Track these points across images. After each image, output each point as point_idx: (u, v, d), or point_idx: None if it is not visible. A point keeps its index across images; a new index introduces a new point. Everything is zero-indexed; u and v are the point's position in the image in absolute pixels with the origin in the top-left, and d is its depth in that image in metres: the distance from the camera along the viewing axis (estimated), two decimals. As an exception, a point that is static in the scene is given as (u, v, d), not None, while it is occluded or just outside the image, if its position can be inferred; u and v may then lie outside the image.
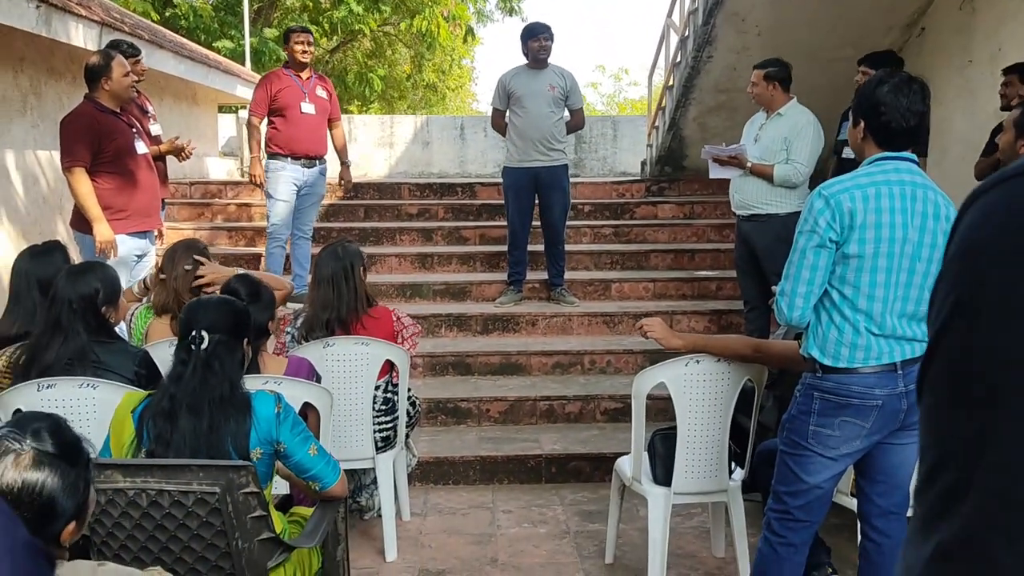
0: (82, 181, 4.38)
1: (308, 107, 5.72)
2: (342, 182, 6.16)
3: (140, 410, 2.24)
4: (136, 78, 5.16)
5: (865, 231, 2.37)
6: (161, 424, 2.17)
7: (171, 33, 9.47)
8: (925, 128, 2.52)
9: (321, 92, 5.83)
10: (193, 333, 2.25)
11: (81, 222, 4.52)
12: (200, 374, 2.22)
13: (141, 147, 4.68)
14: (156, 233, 4.99)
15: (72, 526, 1.48)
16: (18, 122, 5.58)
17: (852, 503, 2.91)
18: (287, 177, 5.72)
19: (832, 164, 5.21)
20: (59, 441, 1.49)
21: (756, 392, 3.14)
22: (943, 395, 0.62)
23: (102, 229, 4.39)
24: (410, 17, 15.65)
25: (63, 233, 5.61)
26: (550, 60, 5.84)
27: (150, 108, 5.53)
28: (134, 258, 4.63)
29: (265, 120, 5.80)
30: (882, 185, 2.40)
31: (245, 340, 2.40)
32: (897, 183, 2.41)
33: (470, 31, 17.78)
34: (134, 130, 4.67)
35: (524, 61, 5.87)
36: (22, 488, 1.41)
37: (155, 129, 5.42)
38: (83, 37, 5.65)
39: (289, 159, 5.72)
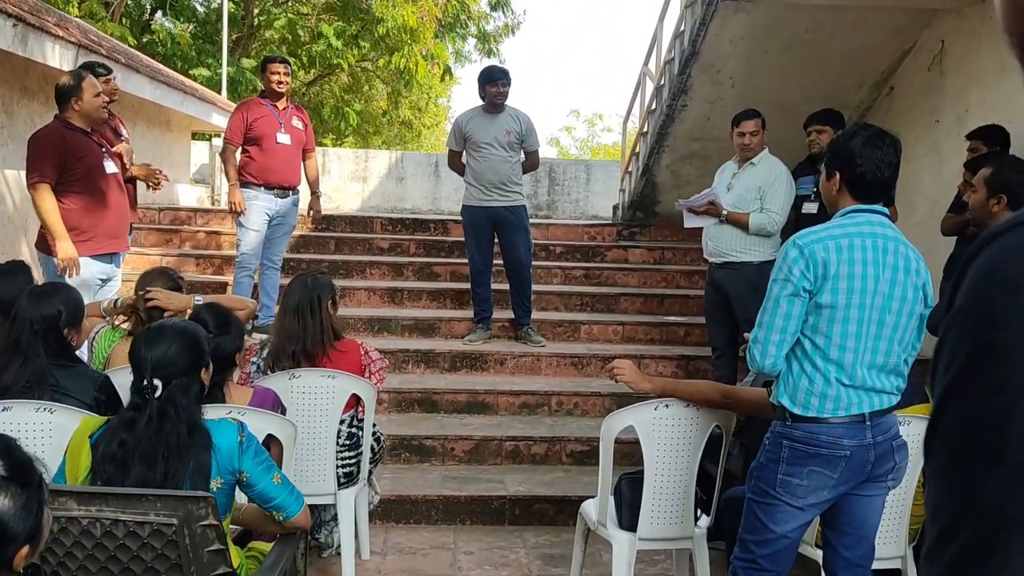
0: (46, 198, 4.30)
1: (284, 137, 5.70)
2: (311, 212, 6.12)
3: (96, 437, 2.17)
4: (107, 99, 5.12)
5: (838, 281, 2.40)
6: (111, 470, 2.10)
7: (147, 58, 9.44)
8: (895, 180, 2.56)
9: (297, 123, 5.82)
10: (145, 382, 2.17)
11: (45, 243, 4.44)
12: (155, 424, 2.14)
13: (111, 167, 4.61)
14: (122, 257, 4.90)
15: (25, 550, 1.43)
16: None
17: (817, 555, 2.90)
18: (260, 207, 5.68)
19: (790, 218, 5.23)
20: (10, 463, 1.44)
21: (724, 438, 3.13)
22: (958, 451, 0.60)
23: (65, 247, 4.31)
24: (389, 54, 15.75)
25: (27, 254, 5.51)
26: (507, 103, 5.88)
27: (124, 131, 5.47)
28: (98, 281, 4.53)
29: (239, 149, 5.77)
30: (855, 237, 2.43)
31: (203, 369, 2.32)
32: (870, 235, 2.44)
33: (448, 71, 17.93)
34: (104, 150, 4.61)
35: (481, 103, 5.90)
36: None
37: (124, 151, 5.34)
38: (59, 58, 5.61)
39: (263, 188, 5.68)
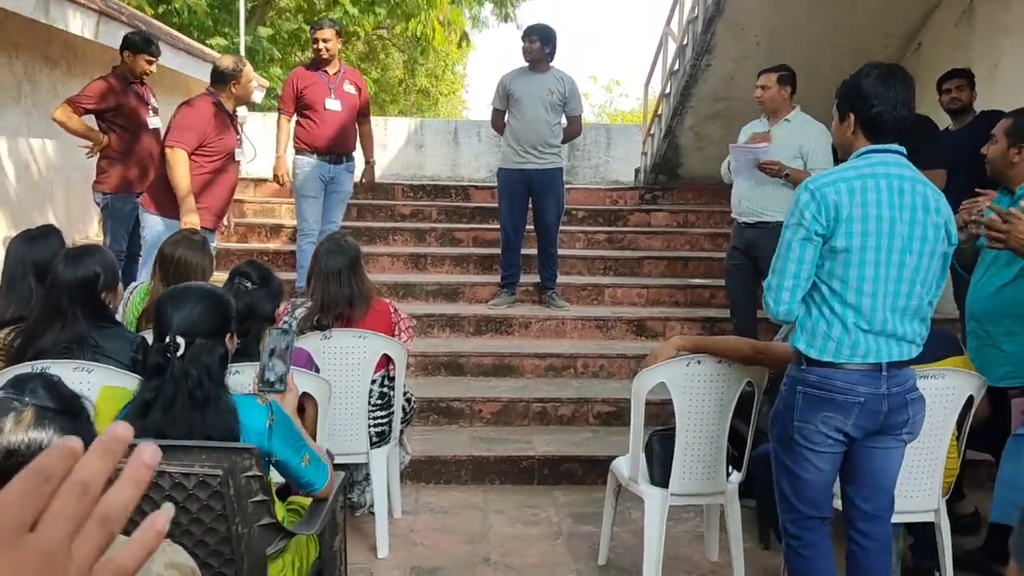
0: (182, 162, 4.63)
1: (333, 103, 5.67)
2: (363, 181, 6.12)
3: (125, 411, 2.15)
4: (146, 73, 5.35)
5: (852, 224, 2.36)
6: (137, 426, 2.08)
7: (166, 27, 9.41)
8: (911, 121, 2.49)
9: (349, 87, 5.77)
10: (168, 340, 2.11)
11: (157, 203, 4.74)
12: (176, 384, 2.08)
13: (237, 155, 4.97)
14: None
15: None
16: (12, 109, 5.53)
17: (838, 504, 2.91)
18: (313, 174, 5.69)
19: None
20: (57, 396, 1.46)
21: (756, 395, 3.13)
22: None
23: (193, 218, 4.60)
24: (405, 20, 15.62)
25: (52, 221, 5.55)
26: (553, 64, 5.84)
27: (153, 100, 5.48)
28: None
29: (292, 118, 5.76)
30: (868, 178, 2.39)
31: (228, 335, 2.25)
32: (884, 176, 2.39)
33: (465, 36, 17.76)
34: (238, 137, 4.95)
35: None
36: (28, 446, 1.38)
37: (153, 122, 5.37)
38: (81, 25, 5.61)
39: (315, 155, 5.68)
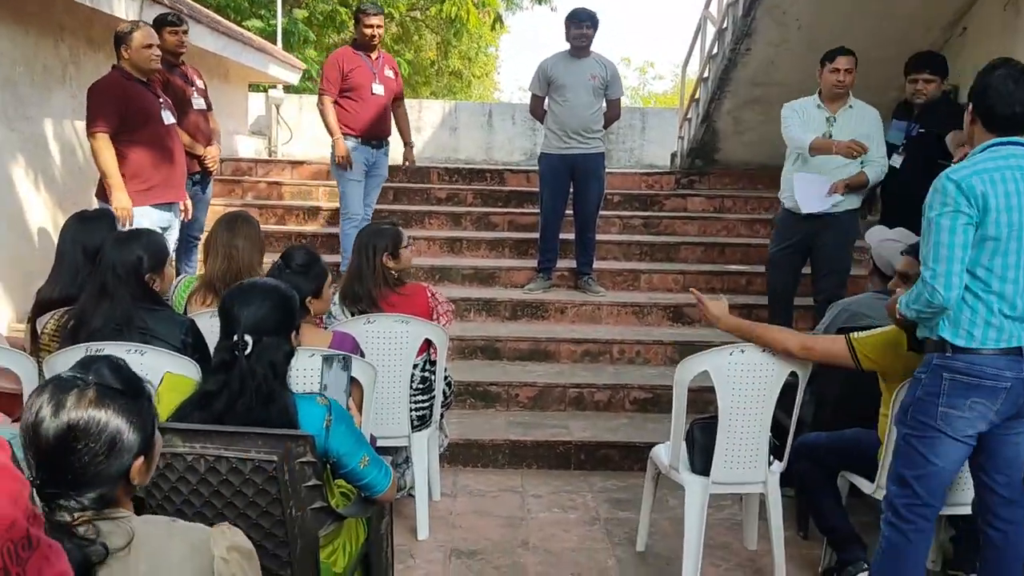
0: (104, 147, 4.40)
1: (378, 88, 5.71)
2: (406, 164, 6.15)
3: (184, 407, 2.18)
4: (179, 49, 5.21)
5: (998, 214, 2.44)
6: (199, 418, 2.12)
7: (206, 9, 9.48)
8: None
9: (389, 72, 5.83)
10: (236, 337, 2.16)
11: (103, 192, 4.54)
12: (243, 382, 2.13)
13: (168, 118, 4.68)
14: (180, 207, 4.98)
15: (140, 462, 1.48)
16: (57, 92, 5.60)
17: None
18: (358, 157, 5.73)
19: None
20: (120, 377, 1.50)
21: (799, 385, 3.12)
22: None
23: (120, 197, 4.39)
24: (440, 2, 15.57)
25: (96, 204, 5.63)
26: (592, 48, 5.80)
27: (199, 82, 5.53)
28: (158, 230, 4.59)
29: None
30: (1004, 170, 2.47)
31: (293, 332, 2.29)
32: (1017, 168, 2.48)
33: (498, 18, 17.67)
34: (160, 100, 4.67)
35: (565, 47, 5.82)
36: (88, 423, 1.42)
37: (197, 103, 5.41)
38: (124, 7, 5.66)
39: (360, 140, 5.71)
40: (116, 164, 4.41)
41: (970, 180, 2.44)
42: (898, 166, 4.83)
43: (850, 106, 4.78)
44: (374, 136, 5.76)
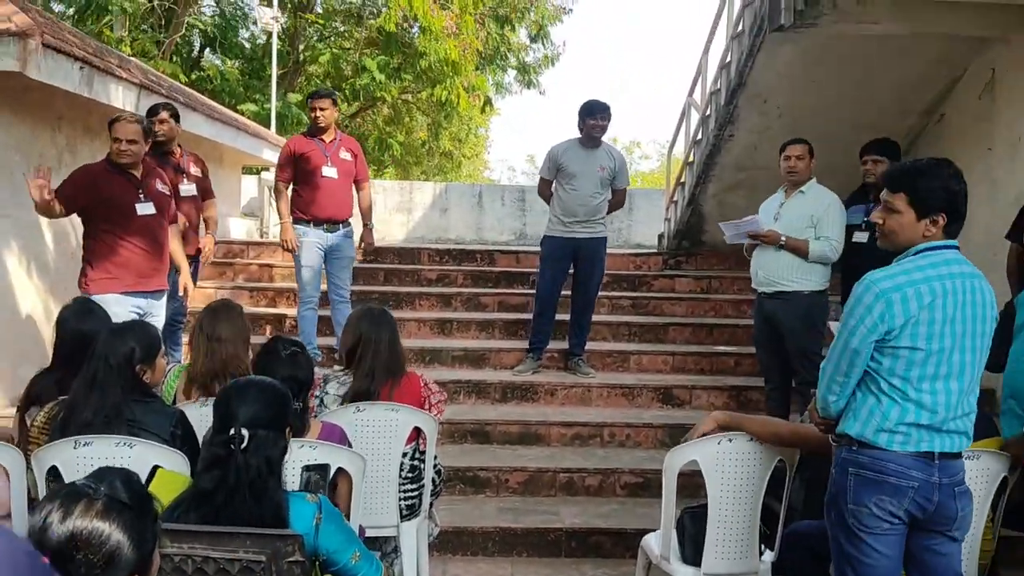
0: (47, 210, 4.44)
1: (330, 171, 5.78)
2: (363, 244, 6.21)
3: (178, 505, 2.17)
4: (162, 138, 5.29)
5: (919, 327, 2.40)
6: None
7: (202, 96, 9.70)
8: None
9: (345, 154, 5.90)
10: (232, 432, 2.17)
11: (85, 281, 4.60)
12: (238, 475, 2.12)
13: (147, 209, 4.62)
14: (179, 290, 5.02)
15: None
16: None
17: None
18: (310, 243, 5.78)
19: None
20: (131, 491, 1.51)
21: (787, 472, 3.12)
22: None
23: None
24: (431, 86, 15.98)
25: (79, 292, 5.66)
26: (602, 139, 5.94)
27: (193, 169, 5.61)
28: (132, 315, 4.43)
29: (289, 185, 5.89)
30: (935, 280, 2.43)
31: (287, 428, 2.30)
32: (948, 277, 2.44)
33: (488, 102, 18.12)
34: (140, 192, 4.63)
35: (576, 135, 5.93)
36: (91, 534, 1.43)
37: (187, 190, 5.49)
38: (122, 99, 5.80)
39: (311, 224, 5.78)
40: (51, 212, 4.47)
41: (891, 295, 2.40)
42: (864, 240, 4.91)
43: (802, 191, 4.92)
44: (327, 219, 5.81)
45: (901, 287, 2.42)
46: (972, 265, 2.53)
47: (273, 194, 6.02)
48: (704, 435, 3.06)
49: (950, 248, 2.50)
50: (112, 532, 1.45)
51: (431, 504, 3.79)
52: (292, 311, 6.99)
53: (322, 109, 5.80)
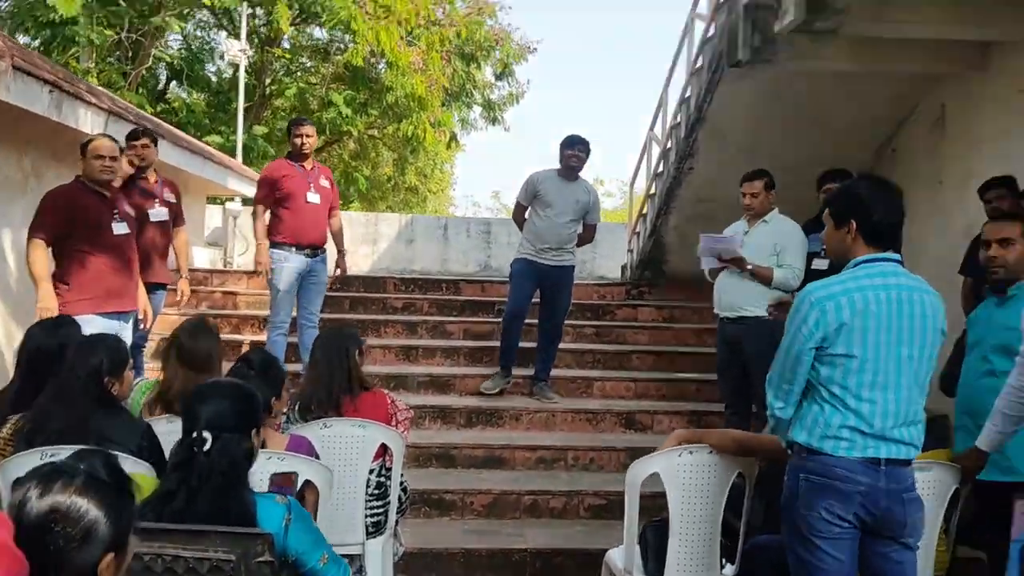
0: (38, 254, 4.42)
1: (314, 196, 5.83)
2: (337, 270, 6.24)
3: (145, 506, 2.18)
4: (137, 163, 5.31)
5: (853, 335, 2.47)
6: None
7: (168, 125, 9.71)
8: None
9: (324, 182, 5.97)
10: (195, 435, 2.18)
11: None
12: (202, 480, 2.14)
13: (120, 228, 4.66)
14: (140, 314, 4.99)
15: (109, 558, 1.49)
16: (19, 203, 5.67)
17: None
18: (290, 268, 5.79)
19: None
20: (111, 470, 1.54)
21: (747, 485, 3.20)
22: None
23: (45, 297, 4.36)
24: (397, 121, 16.12)
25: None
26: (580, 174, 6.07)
27: (166, 194, 5.61)
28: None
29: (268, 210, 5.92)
30: (869, 290, 2.50)
31: (254, 430, 2.32)
32: (883, 287, 2.51)
33: (454, 137, 18.32)
34: (116, 212, 4.68)
35: (556, 166, 6.07)
36: (69, 508, 1.45)
37: (156, 214, 5.50)
38: (90, 124, 5.81)
39: (294, 249, 5.80)
40: (47, 270, 4.43)
41: (826, 304, 2.48)
42: (824, 267, 5.04)
43: (765, 221, 5.07)
44: (308, 244, 5.86)
45: (835, 296, 2.51)
46: (917, 278, 2.61)
47: (252, 217, 6.00)
48: None
49: (889, 261, 2.57)
50: (90, 508, 1.47)
51: (397, 522, 3.81)
52: (257, 338, 6.98)
53: (308, 136, 5.88)
